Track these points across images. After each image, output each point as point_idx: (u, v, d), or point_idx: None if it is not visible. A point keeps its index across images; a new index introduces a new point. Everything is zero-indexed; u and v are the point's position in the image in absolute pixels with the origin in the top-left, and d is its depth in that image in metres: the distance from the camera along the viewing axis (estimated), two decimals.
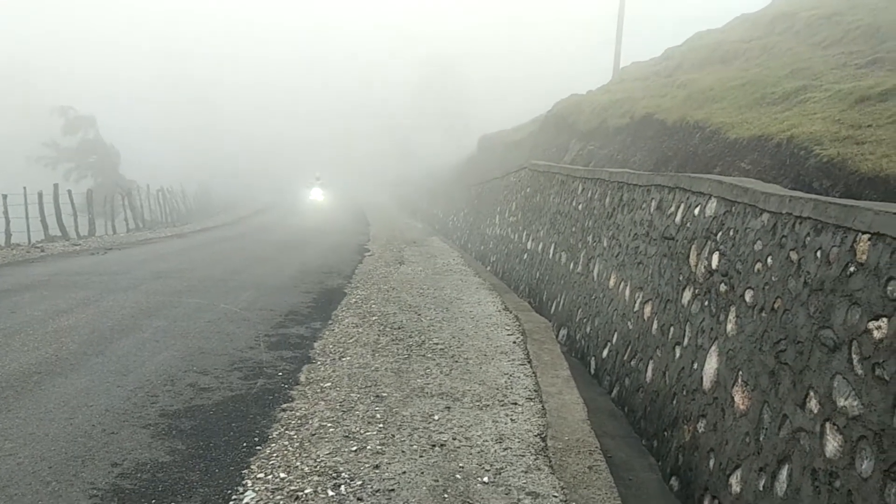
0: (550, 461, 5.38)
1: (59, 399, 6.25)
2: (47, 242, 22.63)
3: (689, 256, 6.57)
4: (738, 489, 4.55)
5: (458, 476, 5.05)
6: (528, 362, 8.16)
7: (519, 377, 7.59)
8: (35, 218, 23.90)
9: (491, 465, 5.26)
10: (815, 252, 4.25)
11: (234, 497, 4.60)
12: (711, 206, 6.32)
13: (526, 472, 5.17)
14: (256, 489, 4.72)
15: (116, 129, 64.59)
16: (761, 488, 4.24)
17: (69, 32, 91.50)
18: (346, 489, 4.77)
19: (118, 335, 8.62)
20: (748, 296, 5.12)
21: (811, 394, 3.93)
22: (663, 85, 17.53)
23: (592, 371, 9.02)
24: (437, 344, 8.85)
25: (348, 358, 8.06)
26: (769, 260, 4.90)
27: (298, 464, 5.14)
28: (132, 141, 67.25)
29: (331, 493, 4.71)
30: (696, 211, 6.68)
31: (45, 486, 4.60)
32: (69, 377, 6.90)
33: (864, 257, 3.73)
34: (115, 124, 65.10)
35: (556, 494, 4.82)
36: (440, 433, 5.86)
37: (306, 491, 4.71)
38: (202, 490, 4.68)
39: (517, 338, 9.37)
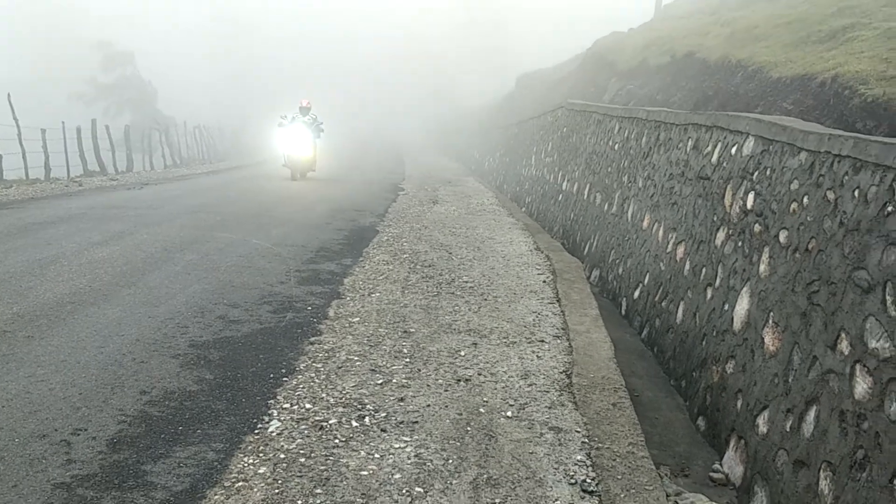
0: (574, 398, 5.36)
1: (91, 328, 6.33)
2: (86, 177, 22.92)
3: (724, 196, 6.42)
4: (764, 430, 4.50)
5: (481, 410, 5.06)
6: (557, 301, 8.12)
7: (547, 315, 7.55)
8: (74, 153, 24.17)
9: (515, 401, 5.26)
10: (853, 191, 4.11)
11: (259, 426, 4.64)
12: (749, 145, 6.15)
13: (549, 408, 5.16)
14: (282, 419, 4.77)
15: (155, 64, 64.79)
16: (788, 429, 4.18)
17: None
18: (370, 420, 4.80)
19: (150, 268, 8.71)
20: (782, 236, 4.99)
21: (842, 335, 3.84)
22: (707, 23, 17.05)
23: (623, 312, 8.95)
24: (466, 282, 8.83)
25: (378, 294, 8.07)
26: (805, 200, 4.76)
27: (324, 395, 5.18)
28: (171, 77, 67.42)
29: (355, 423, 4.74)
30: (734, 150, 6.51)
31: (74, 412, 4.67)
32: (101, 307, 6.99)
33: None
34: (153, 60, 65.29)
35: (578, 430, 4.81)
36: (466, 368, 5.86)
37: (331, 421, 4.75)
38: (228, 419, 4.73)
39: (547, 277, 9.32)
